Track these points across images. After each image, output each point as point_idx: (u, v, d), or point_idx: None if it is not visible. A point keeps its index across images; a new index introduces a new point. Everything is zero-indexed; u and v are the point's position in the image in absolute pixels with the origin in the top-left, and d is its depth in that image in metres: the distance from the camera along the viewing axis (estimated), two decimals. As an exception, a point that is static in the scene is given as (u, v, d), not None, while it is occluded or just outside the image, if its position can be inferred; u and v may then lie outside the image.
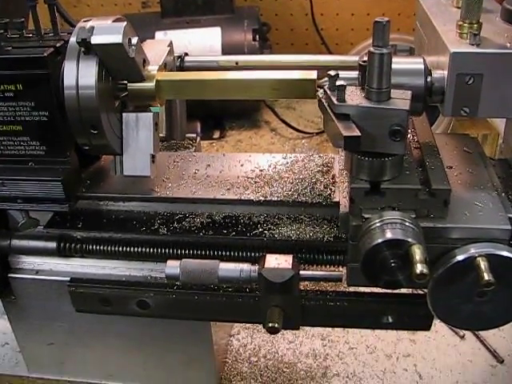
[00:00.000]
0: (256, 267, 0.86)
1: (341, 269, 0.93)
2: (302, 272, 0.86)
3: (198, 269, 0.87)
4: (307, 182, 0.92)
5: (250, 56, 1.08)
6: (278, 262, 0.85)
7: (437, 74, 0.84)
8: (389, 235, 0.74)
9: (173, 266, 0.87)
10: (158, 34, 2.34)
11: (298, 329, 0.91)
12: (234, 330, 1.34)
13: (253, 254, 0.92)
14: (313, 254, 0.91)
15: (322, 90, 0.81)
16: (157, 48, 0.99)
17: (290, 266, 0.84)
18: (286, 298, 0.86)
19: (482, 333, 1.28)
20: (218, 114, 2.48)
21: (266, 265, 0.85)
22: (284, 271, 0.84)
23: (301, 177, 0.93)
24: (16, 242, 1.01)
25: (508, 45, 0.80)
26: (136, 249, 0.95)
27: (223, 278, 0.86)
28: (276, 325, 0.86)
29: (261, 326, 0.93)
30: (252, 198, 0.91)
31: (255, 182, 0.94)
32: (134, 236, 0.96)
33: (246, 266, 0.86)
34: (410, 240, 0.73)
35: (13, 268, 1.04)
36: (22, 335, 1.15)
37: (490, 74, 0.80)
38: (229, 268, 0.87)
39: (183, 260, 0.88)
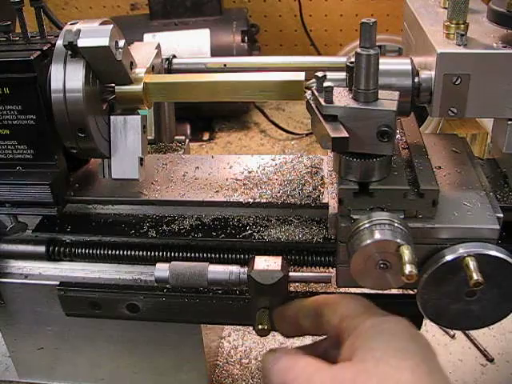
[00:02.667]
0: (245, 269, 0.86)
1: (331, 270, 0.93)
2: (291, 274, 0.85)
3: (187, 271, 0.86)
4: (296, 184, 0.92)
5: (238, 58, 1.08)
6: (267, 263, 0.85)
7: (424, 74, 0.84)
8: (377, 236, 0.74)
9: (162, 269, 0.87)
10: (147, 36, 2.33)
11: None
12: (225, 332, 1.33)
13: (242, 256, 0.91)
14: (302, 255, 0.91)
15: (309, 92, 0.81)
16: (144, 50, 0.98)
17: (279, 268, 0.84)
18: (275, 299, 0.86)
19: (472, 332, 1.29)
20: (207, 115, 2.48)
21: (255, 267, 0.84)
22: (273, 273, 0.84)
23: (290, 178, 0.93)
24: (4, 247, 1.00)
25: (495, 45, 0.81)
26: (125, 252, 0.95)
27: (212, 280, 0.86)
28: (266, 327, 0.86)
29: (251, 328, 0.92)
30: (241, 200, 0.91)
31: (244, 184, 0.94)
32: (123, 239, 0.95)
33: (235, 269, 0.86)
34: (398, 241, 0.73)
35: (1, 273, 1.03)
36: (11, 340, 1.14)
37: (477, 75, 0.80)
38: (218, 270, 0.86)
39: (172, 263, 0.88)
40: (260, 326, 0.86)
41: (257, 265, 0.85)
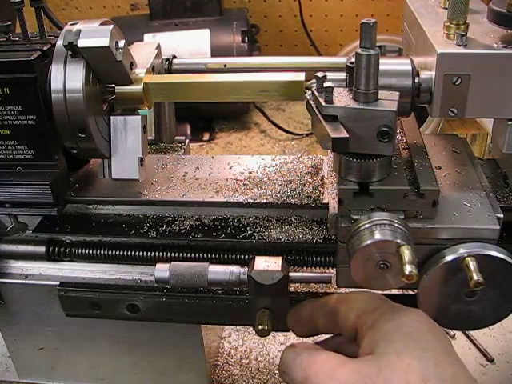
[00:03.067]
0: (245, 270, 0.86)
1: (331, 270, 0.93)
2: (291, 274, 0.85)
3: (188, 272, 0.86)
4: (296, 184, 0.92)
5: (238, 58, 1.08)
6: (267, 264, 0.85)
7: (424, 74, 0.84)
8: (378, 236, 0.74)
9: (162, 270, 0.87)
10: (147, 37, 2.34)
11: (288, 330, 0.91)
12: (225, 332, 1.33)
13: (242, 257, 0.91)
14: (302, 255, 0.91)
15: (309, 92, 0.81)
16: (145, 51, 0.98)
17: (280, 268, 0.84)
18: (275, 300, 0.86)
19: (472, 332, 1.29)
20: (207, 116, 2.49)
21: (256, 267, 0.84)
22: (273, 273, 0.84)
23: (290, 178, 0.94)
24: (4, 247, 1.00)
25: (495, 45, 0.81)
26: (125, 252, 0.95)
27: (213, 280, 0.86)
28: (266, 327, 0.86)
29: (252, 328, 0.92)
30: (241, 200, 0.91)
31: (244, 185, 0.94)
32: (123, 239, 0.95)
33: (235, 269, 0.86)
34: (398, 241, 0.73)
35: (1, 273, 1.03)
36: (11, 340, 1.14)
37: (477, 75, 0.80)
38: (218, 271, 0.86)
39: (172, 263, 0.88)
40: (260, 327, 0.86)
41: (257, 265, 0.85)
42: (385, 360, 0.68)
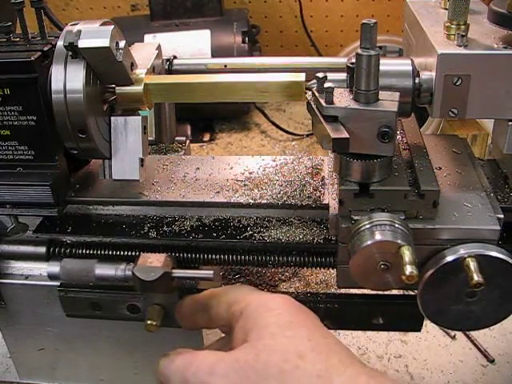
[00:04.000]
0: (131, 266, 0.89)
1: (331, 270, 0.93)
2: (174, 271, 0.87)
3: (76, 267, 0.90)
4: (297, 185, 0.92)
5: (238, 59, 1.08)
6: (150, 260, 0.88)
7: (425, 75, 0.84)
8: (378, 237, 0.74)
9: (53, 265, 0.91)
10: (148, 37, 2.33)
11: (179, 326, 0.94)
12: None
13: (243, 257, 0.91)
14: (303, 256, 0.91)
15: (310, 92, 0.81)
16: (145, 51, 0.98)
17: (161, 265, 0.86)
18: (164, 296, 0.90)
19: (472, 333, 1.29)
20: (208, 116, 2.49)
21: (139, 263, 0.87)
22: (154, 269, 0.86)
23: (290, 179, 0.94)
24: (5, 248, 1.00)
25: (495, 46, 0.81)
26: (126, 253, 0.95)
27: (100, 276, 0.90)
28: (154, 322, 0.91)
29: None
30: (241, 200, 0.91)
31: (244, 185, 0.94)
32: (123, 240, 0.95)
33: (122, 265, 0.90)
34: (399, 241, 0.73)
35: (2, 273, 1.03)
36: (12, 341, 1.14)
37: (477, 75, 0.80)
38: (105, 266, 0.90)
39: (64, 259, 0.91)
40: (149, 322, 0.91)
41: (140, 261, 0.87)
42: (261, 344, 0.69)
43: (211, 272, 0.87)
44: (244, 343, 0.72)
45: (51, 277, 0.91)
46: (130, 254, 0.94)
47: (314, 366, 0.66)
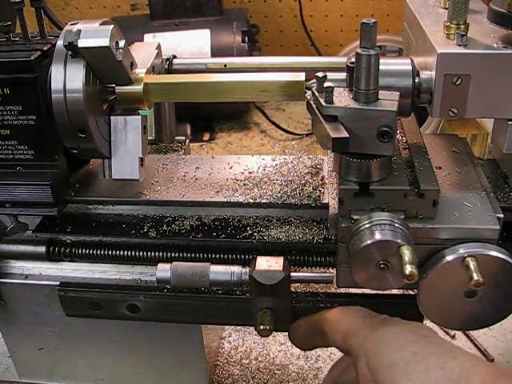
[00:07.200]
0: (247, 270, 0.85)
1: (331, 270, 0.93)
2: (293, 274, 0.85)
3: (189, 272, 0.86)
4: (296, 184, 0.92)
5: (238, 58, 1.08)
6: (268, 264, 0.85)
7: (425, 74, 0.84)
8: (378, 236, 0.74)
9: (163, 270, 0.87)
10: (147, 37, 2.33)
11: (288, 330, 0.91)
12: (225, 332, 1.33)
13: (242, 257, 0.91)
14: (302, 255, 0.91)
15: (310, 92, 0.81)
16: (145, 51, 0.98)
17: (281, 268, 0.84)
18: (276, 300, 0.86)
19: (472, 332, 1.29)
20: (207, 116, 2.48)
21: (257, 267, 0.84)
22: (275, 273, 0.84)
23: (290, 178, 0.94)
24: (5, 247, 1.00)
25: (495, 45, 0.81)
26: (126, 252, 0.95)
27: (214, 281, 0.86)
28: (268, 327, 0.86)
29: (252, 329, 0.93)
30: (241, 200, 0.91)
31: (244, 185, 0.94)
32: (123, 239, 0.95)
33: (236, 269, 0.86)
34: (399, 241, 0.73)
35: (2, 273, 1.03)
36: (11, 340, 1.14)
37: (477, 75, 0.80)
38: (220, 271, 0.86)
39: (174, 263, 0.87)
40: (262, 327, 0.86)
41: (259, 265, 0.85)
42: None
43: (331, 275, 0.87)
44: None
45: (160, 281, 0.87)
46: (129, 253, 0.95)
47: None
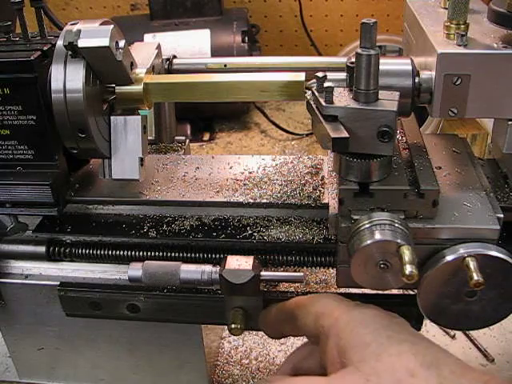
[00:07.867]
0: (217, 269, 0.86)
1: (331, 270, 0.93)
2: (263, 273, 0.86)
3: (160, 271, 0.87)
4: (296, 184, 0.92)
5: (238, 58, 1.08)
6: (238, 263, 0.85)
7: (425, 74, 0.84)
8: (378, 236, 0.74)
9: (135, 268, 0.88)
10: (147, 37, 2.33)
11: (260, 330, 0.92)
12: (225, 332, 1.33)
13: (242, 257, 0.91)
14: (302, 255, 0.91)
15: (310, 92, 0.81)
16: (145, 51, 0.98)
17: (251, 267, 0.85)
18: (248, 299, 0.88)
19: (472, 332, 1.29)
20: (207, 116, 2.49)
21: (227, 266, 0.85)
22: (244, 272, 0.84)
23: (290, 179, 0.94)
24: (5, 247, 1.00)
25: (495, 45, 0.81)
26: (126, 252, 0.95)
27: (185, 279, 0.87)
28: (239, 326, 0.88)
29: (251, 329, 0.93)
30: (241, 200, 0.91)
31: (244, 185, 0.94)
32: (123, 239, 0.95)
33: (207, 268, 0.87)
34: (399, 241, 0.73)
35: (2, 273, 1.03)
36: (11, 340, 1.14)
37: (477, 75, 0.80)
38: (190, 270, 0.87)
39: (146, 262, 0.89)
40: (233, 325, 0.88)
41: (228, 264, 0.86)
42: (367, 368, 0.66)
43: (301, 274, 0.87)
44: (344, 365, 0.69)
45: (132, 280, 0.88)
46: (129, 253, 0.95)
47: (428, 383, 0.64)
